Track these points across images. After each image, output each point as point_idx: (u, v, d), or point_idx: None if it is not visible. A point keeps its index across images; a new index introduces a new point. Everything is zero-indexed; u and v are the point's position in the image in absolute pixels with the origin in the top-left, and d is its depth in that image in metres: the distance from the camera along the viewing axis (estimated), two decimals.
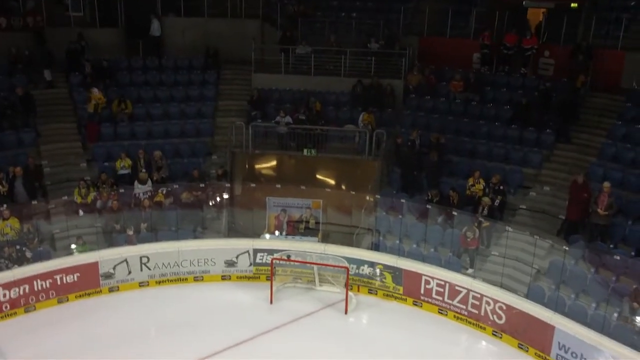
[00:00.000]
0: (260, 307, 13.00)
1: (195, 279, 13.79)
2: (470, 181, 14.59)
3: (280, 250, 13.53)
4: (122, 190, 14.45)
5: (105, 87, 17.80)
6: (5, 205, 12.89)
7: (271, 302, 13.06)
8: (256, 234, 14.41)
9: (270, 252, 13.71)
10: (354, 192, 14.77)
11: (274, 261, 13.14)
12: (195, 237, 14.30)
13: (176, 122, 17.88)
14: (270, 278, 13.33)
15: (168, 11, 21.04)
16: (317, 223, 14.46)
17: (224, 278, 13.89)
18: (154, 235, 14.16)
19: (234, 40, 20.57)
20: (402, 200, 14.44)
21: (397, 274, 13.03)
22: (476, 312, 12.08)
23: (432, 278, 12.63)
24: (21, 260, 12.57)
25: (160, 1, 20.96)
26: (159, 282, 13.60)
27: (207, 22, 21.00)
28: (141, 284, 13.46)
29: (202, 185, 15.04)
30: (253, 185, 15.16)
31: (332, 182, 16.61)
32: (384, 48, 19.26)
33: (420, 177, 15.75)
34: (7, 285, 11.98)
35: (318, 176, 16.93)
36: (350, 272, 12.90)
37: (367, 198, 15.10)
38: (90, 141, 16.80)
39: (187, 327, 12.05)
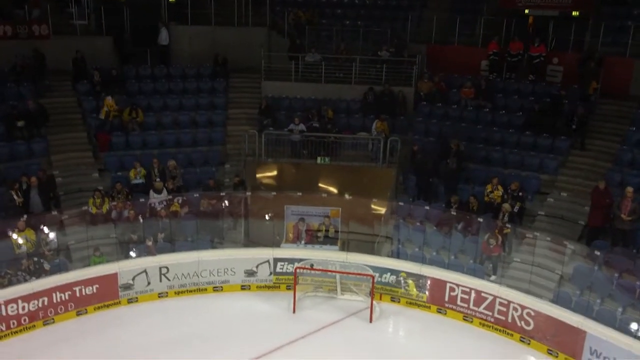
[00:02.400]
0: (284, 317, 12.86)
1: (215, 289, 13.61)
2: (489, 188, 14.57)
3: (301, 259, 13.43)
4: (142, 200, 14.15)
5: (114, 95, 17.55)
6: (25, 217, 12.58)
7: (294, 311, 12.91)
8: (274, 243, 14.22)
9: (291, 261, 13.60)
10: (375, 200, 14.59)
11: (297, 270, 12.97)
12: (213, 247, 14.06)
13: (188, 130, 17.71)
14: (292, 287, 13.23)
15: (174, 20, 20.93)
16: (336, 232, 14.31)
17: (243, 288, 13.72)
18: (171, 245, 13.93)
19: (241, 48, 20.57)
20: (426, 207, 14.36)
21: (421, 281, 12.95)
22: (503, 318, 12.02)
23: (457, 285, 12.57)
24: (39, 272, 12.29)
25: (167, 10, 20.87)
26: (178, 293, 13.39)
27: (214, 31, 20.92)
28: (160, 295, 13.26)
29: (222, 194, 14.81)
30: (273, 193, 14.98)
31: (347, 190, 16.47)
32: (393, 56, 19.30)
33: (436, 184, 15.69)
34: (26, 298, 11.73)
35: (332, 184, 16.84)
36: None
37: (385, 205, 14.99)
38: (101, 150, 16.58)
39: (208, 338, 11.89)
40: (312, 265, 13.17)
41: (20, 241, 12.57)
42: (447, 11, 21.36)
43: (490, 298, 12.13)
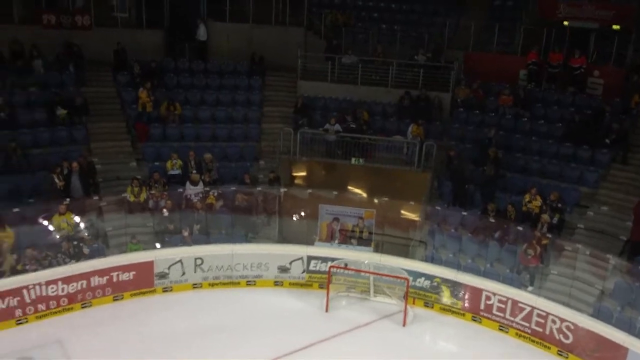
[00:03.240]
0: (316, 315, 12.82)
1: (248, 284, 13.63)
2: (527, 197, 14.41)
3: (335, 258, 13.39)
4: (180, 190, 14.24)
5: (153, 88, 17.71)
6: (68, 200, 12.74)
7: (327, 310, 12.86)
8: (308, 241, 14.20)
9: (325, 260, 13.57)
10: (410, 204, 14.52)
11: (331, 269, 12.94)
12: (248, 242, 14.09)
13: (224, 126, 17.81)
14: (325, 286, 13.23)
15: (213, 16, 21.08)
16: (370, 233, 14.25)
17: (276, 284, 13.72)
18: (206, 237, 14.00)
19: (277, 47, 20.63)
20: (463, 213, 14.23)
21: (456, 288, 12.82)
22: (540, 330, 11.85)
23: (494, 294, 12.42)
24: (78, 256, 12.42)
25: (206, 6, 21.03)
26: (211, 285, 13.44)
27: (252, 29, 21.04)
28: (194, 286, 13.31)
29: (258, 189, 14.85)
30: (309, 191, 14.97)
31: (380, 192, 16.42)
32: (430, 60, 19.24)
33: (472, 191, 15.57)
34: (66, 280, 11.86)
35: (365, 186, 16.81)
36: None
37: (420, 210, 14.91)
38: (139, 141, 16.74)
39: (240, 331, 11.89)
40: (346, 265, 13.11)
41: (62, 225, 12.69)
42: (485, 19, 21.28)
43: (528, 309, 11.96)
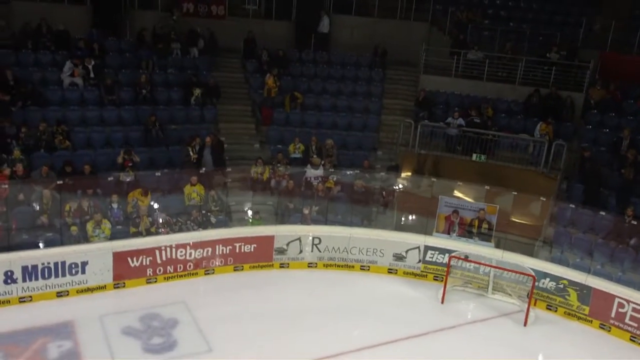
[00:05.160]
0: (431, 306, 12.56)
1: (362, 268, 13.63)
2: None
3: (454, 250, 13.04)
4: (302, 171, 14.59)
5: (279, 75, 18.28)
6: (203, 169, 13.48)
7: (442, 301, 12.55)
8: (422, 232, 13.92)
9: (442, 251, 13.29)
10: (537, 202, 13.82)
11: (451, 259, 12.62)
12: (365, 227, 14.10)
13: (344, 115, 18.01)
14: (440, 278, 13.00)
15: (338, 9, 21.44)
16: (491, 229, 13.72)
17: (390, 271, 13.61)
18: (323, 219, 14.17)
19: (400, 41, 20.57)
20: (602, 213, 13.34)
21: (585, 292, 12.02)
22: None
23: (628, 302, 11.49)
24: (205, 225, 13.05)
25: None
26: (326, 266, 13.59)
27: (376, 23, 21.14)
28: (310, 265, 13.53)
29: (381, 173, 14.84)
30: (434, 179, 14.72)
31: (502, 190, 15.78)
32: (563, 59, 18.27)
33: (606, 194, 14.54)
34: (194, 246, 12.48)
35: (486, 183, 16.18)
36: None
37: (547, 209, 14.14)
38: (263, 124, 17.34)
39: (354, 314, 11.85)
40: (466, 257, 12.72)
41: (192, 194, 13.42)
42: (625, 19, 19.87)
43: None
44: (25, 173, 12.57)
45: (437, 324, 11.75)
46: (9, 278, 10.68)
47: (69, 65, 15.74)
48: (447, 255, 13.11)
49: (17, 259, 10.76)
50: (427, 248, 13.38)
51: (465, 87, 18.75)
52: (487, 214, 13.96)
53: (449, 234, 13.96)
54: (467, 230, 13.90)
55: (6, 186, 11.64)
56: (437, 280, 13.30)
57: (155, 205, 12.90)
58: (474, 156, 16.33)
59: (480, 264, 12.64)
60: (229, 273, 12.92)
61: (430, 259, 13.41)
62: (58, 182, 11.87)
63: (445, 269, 12.94)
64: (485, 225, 13.77)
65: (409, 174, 15.99)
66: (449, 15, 21.01)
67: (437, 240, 13.51)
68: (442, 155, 16.91)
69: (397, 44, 20.47)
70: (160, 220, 12.60)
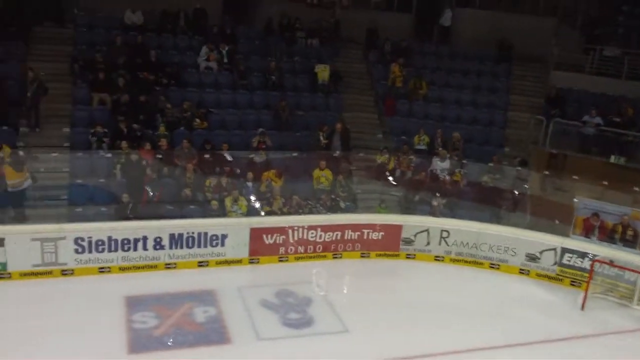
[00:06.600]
0: (569, 311, 11.81)
1: (491, 266, 13.11)
2: None
3: (594, 255, 12.24)
4: (428, 162, 14.39)
5: (402, 66, 18.06)
6: (337, 152, 13.56)
7: (582, 308, 11.80)
8: (561, 233, 13.19)
9: (582, 255, 12.52)
10: None
11: (594, 264, 11.86)
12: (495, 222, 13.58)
13: (469, 109, 17.55)
14: (577, 283, 12.32)
15: (462, 2, 20.90)
16: (636, 235, 12.76)
17: (521, 272, 12.98)
18: (451, 213, 13.81)
19: (527, 36, 19.69)
20: None
21: None
22: None
23: None
24: (334, 209, 13.11)
25: None
26: (453, 260, 13.20)
27: (500, 16, 20.39)
28: (437, 258, 13.20)
29: (516, 168, 14.29)
30: (576, 177, 13.96)
31: None
32: None
33: None
34: (324, 228, 12.54)
35: (625, 187, 15.13)
36: None
37: None
38: (386, 115, 17.21)
39: (483, 313, 11.30)
40: (611, 261, 11.90)
41: (320, 179, 13.52)
42: None
43: None
44: (168, 148, 13.17)
45: (578, 331, 11.03)
46: (158, 244, 11.24)
47: (205, 49, 16.35)
48: (586, 259, 12.35)
49: (166, 227, 11.32)
50: (565, 250, 12.65)
51: (600, 85, 17.71)
52: (632, 220, 13.01)
53: (587, 237, 13.14)
54: (609, 236, 13.02)
55: (160, 156, 12.24)
56: (573, 285, 12.54)
57: (288, 187, 13.08)
58: (612, 158, 15.34)
59: (628, 269, 11.77)
60: (356, 259, 12.88)
61: (568, 262, 12.67)
62: (205, 157, 12.35)
63: (584, 273, 12.20)
64: (630, 232, 12.84)
65: (542, 172, 15.23)
66: (580, 10, 19.92)
67: (576, 243, 12.74)
68: (575, 155, 16.02)
69: (523, 39, 19.62)
70: (294, 202, 12.75)
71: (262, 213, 12.56)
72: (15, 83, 13.88)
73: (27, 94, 13.50)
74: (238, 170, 12.98)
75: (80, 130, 13.64)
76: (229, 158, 12.98)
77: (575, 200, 13.62)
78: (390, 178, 14.24)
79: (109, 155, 12.73)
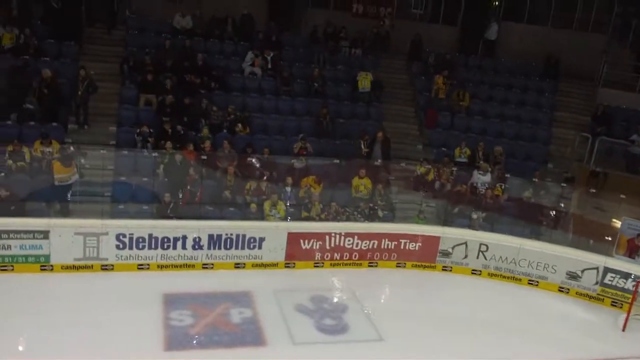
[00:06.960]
0: (609, 332, 11.52)
1: (530, 283, 12.85)
2: None
3: (637, 276, 11.86)
4: (469, 175, 14.22)
5: (446, 78, 17.94)
6: (379, 161, 13.54)
7: (623, 329, 11.45)
8: (604, 252, 12.82)
9: (625, 275, 12.19)
10: None
11: (638, 285, 11.51)
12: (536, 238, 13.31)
13: (512, 124, 17.31)
14: (619, 304, 11.95)
15: (508, 16, 20.69)
16: None
17: (561, 290, 12.68)
18: (490, 226, 13.59)
19: (574, 52, 19.41)
20: None
21: None
22: None
23: None
24: (372, 218, 13.06)
25: (504, 7, 20.74)
26: (491, 275, 12.99)
27: (548, 32, 20.13)
28: (474, 272, 13.01)
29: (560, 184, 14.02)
30: (623, 196, 13.58)
31: None
32: None
33: None
34: (361, 236, 12.51)
35: None
36: None
37: None
38: (427, 126, 17.11)
39: (521, 331, 11.06)
40: None
41: (360, 187, 13.50)
42: None
43: None
44: (211, 150, 13.38)
45: (620, 352, 10.74)
46: (197, 244, 11.40)
47: (250, 55, 16.61)
48: (630, 280, 12.02)
49: (205, 227, 11.47)
50: (607, 270, 12.31)
51: None
52: None
53: (630, 257, 12.76)
54: None
55: (205, 157, 12.44)
56: (614, 305, 12.20)
57: (327, 193, 13.11)
58: None
59: None
60: (391, 268, 12.80)
61: (610, 282, 12.32)
62: (248, 160, 12.50)
63: (626, 294, 11.92)
64: None
65: (587, 190, 14.87)
66: (632, 28, 19.46)
67: (619, 263, 12.39)
68: (619, 174, 15.60)
69: (571, 55, 19.35)
70: (332, 209, 12.77)
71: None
72: (67, 81, 14.33)
73: (77, 92, 13.92)
74: (275, 175, 13.05)
75: (126, 129, 14.00)
76: (257, 165, 13.03)
77: (618, 220, 13.25)
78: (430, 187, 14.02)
79: (154, 154, 12.96)
